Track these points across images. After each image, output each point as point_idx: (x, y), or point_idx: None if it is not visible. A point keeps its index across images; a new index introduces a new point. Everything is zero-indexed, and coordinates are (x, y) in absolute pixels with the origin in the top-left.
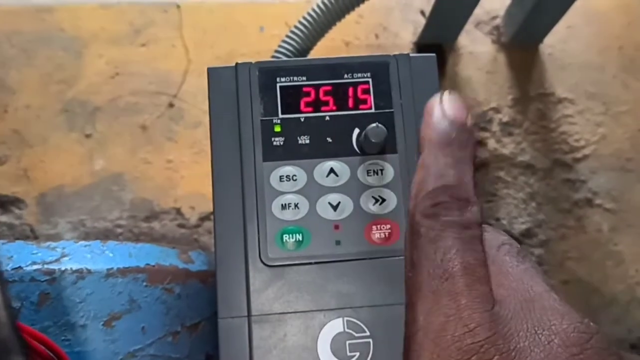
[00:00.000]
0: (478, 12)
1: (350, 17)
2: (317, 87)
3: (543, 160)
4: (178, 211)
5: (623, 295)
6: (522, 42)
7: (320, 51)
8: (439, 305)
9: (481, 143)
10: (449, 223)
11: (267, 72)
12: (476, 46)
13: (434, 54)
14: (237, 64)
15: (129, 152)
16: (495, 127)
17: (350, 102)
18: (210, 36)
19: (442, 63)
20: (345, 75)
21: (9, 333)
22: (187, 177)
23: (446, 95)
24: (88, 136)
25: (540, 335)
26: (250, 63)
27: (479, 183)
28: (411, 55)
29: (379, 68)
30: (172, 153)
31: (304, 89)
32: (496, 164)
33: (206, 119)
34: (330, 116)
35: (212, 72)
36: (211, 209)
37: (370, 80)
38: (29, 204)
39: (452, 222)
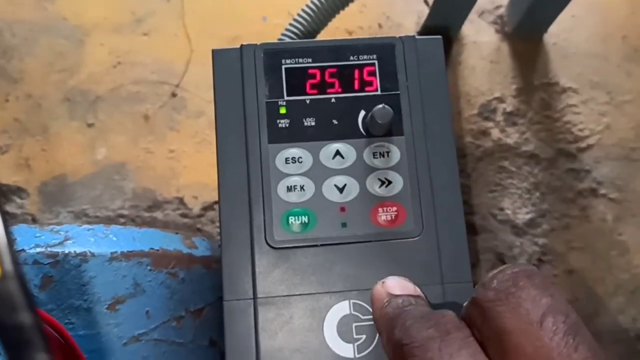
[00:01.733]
0: (482, 1)
1: (354, 6)
2: (322, 69)
3: (547, 150)
4: (181, 201)
5: (627, 284)
6: (526, 32)
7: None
8: None
9: (485, 133)
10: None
11: (273, 54)
12: (480, 35)
13: (439, 36)
14: (242, 45)
15: (131, 142)
16: (499, 117)
17: (356, 84)
18: (212, 25)
19: (445, 53)
20: (351, 57)
21: (16, 287)
22: (189, 166)
23: (389, 278)
24: (90, 125)
25: None
26: (255, 45)
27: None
28: (417, 37)
29: (384, 50)
30: (174, 143)
31: (310, 71)
32: (500, 153)
33: (209, 109)
34: (336, 98)
35: (216, 54)
36: (214, 199)
37: (376, 62)
38: (31, 193)
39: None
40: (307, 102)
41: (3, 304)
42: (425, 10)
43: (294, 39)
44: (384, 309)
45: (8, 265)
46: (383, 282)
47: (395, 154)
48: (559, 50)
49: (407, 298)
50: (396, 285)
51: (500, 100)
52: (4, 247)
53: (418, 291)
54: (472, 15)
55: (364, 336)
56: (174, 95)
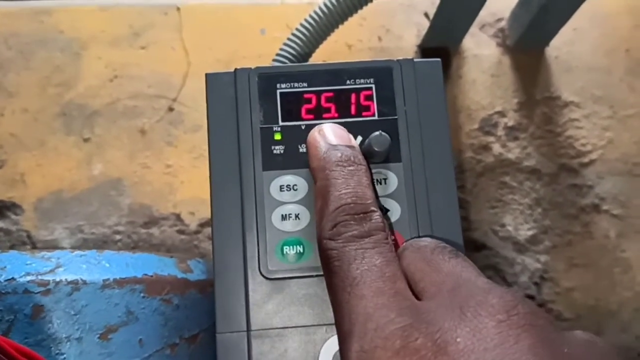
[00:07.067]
0: (483, 14)
1: (353, 20)
2: (318, 94)
3: (549, 165)
4: (177, 217)
5: (630, 302)
6: (527, 45)
7: (322, 54)
8: (357, 309)
9: (486, 148)
10: (348, 238)
11: (267, 78)
12: (481, 49)
13: (439, 59)
14: (236, 69)
15: (128, 157)
16: (500, 132)
17: (353, 109)
18: (210, 39)
19: (446, 66)
20: (348, 81)
21: None
22: (186, 182)
23: (325, 125)
24: (86, 140)
25: (467, 313)
26: (250, 68)
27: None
28: (415, 60)
29: (382, 73)
30: (171, 158)
31: (305, 96)
32: (501, 169)
33: (206, 124)
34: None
35: (210, 78)
36: None
37: (373, 86)
38: (26, 209)
39: (352, 237)
40: (303, 127)
41: None
42: (426, 23)
43: (291, 58)
44: (323, 161)
45: None
46: (320, 130)
47: (393, 181)
48: (561, 63)
49: (344, 150)
50: (333, 133)
51: (502, 114)
52: None
53: (352, 140)
54: (473, 29)
55: None
56: (171, 109)
